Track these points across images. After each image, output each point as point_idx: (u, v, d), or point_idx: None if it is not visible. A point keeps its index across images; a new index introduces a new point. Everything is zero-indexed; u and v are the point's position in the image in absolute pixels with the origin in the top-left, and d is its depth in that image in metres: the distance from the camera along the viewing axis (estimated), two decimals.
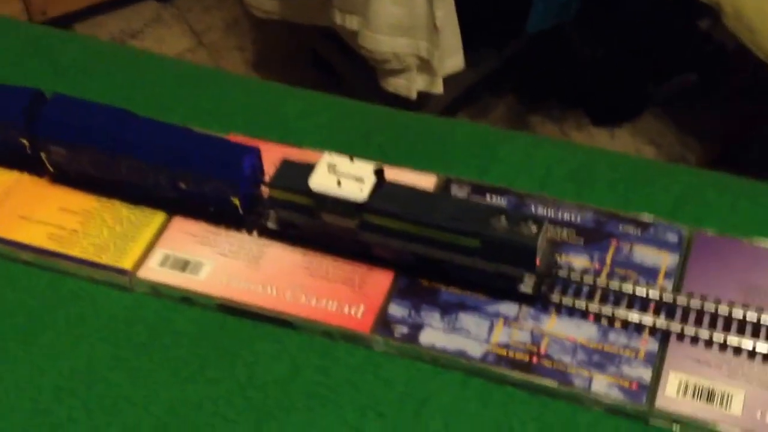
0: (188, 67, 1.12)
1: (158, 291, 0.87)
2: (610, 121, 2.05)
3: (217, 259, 0.88)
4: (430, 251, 0.83)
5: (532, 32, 1.82)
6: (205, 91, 1.06)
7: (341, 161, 0.84)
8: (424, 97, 1.79)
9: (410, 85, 1.76)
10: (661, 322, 0.82)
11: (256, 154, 0.87)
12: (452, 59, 1.76)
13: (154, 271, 0.87)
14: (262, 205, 0.88)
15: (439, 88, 1.78)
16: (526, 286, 0.83)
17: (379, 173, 0.83)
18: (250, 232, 0.90)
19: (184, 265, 0.87)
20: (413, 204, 0.82)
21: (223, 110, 1.04)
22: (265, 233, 0.90)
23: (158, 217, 0.91)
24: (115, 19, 2.34)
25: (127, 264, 0.88)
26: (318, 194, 0.83)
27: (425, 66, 1.73)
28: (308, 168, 0.84)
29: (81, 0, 2.28)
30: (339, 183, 0.82)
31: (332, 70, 2.07)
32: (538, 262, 0.81)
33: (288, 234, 0.88)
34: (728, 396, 0.78)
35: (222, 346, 0.83)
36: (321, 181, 0.83)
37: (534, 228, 0.80)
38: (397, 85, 1.76)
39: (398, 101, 1.72)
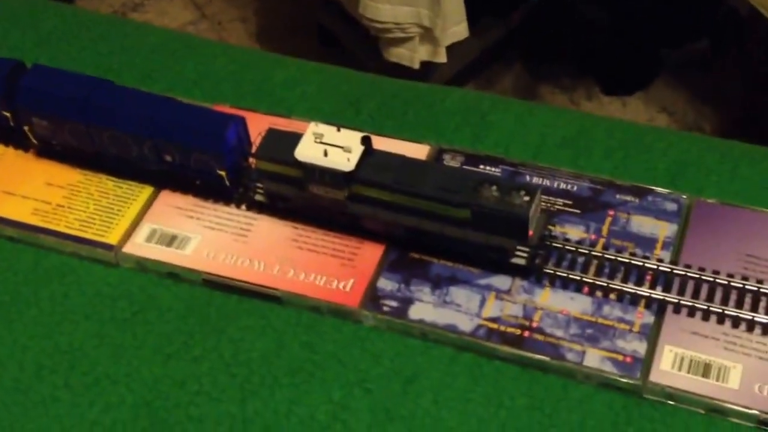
0: (172, 35, 1.09)
1: (144, 266, 0.85)
2: (622, 89, 2.01)
3: (205, 233, 0.86)
4: (420, 223, 0.81)
5: None
6: (190, 60, 1.04)
7: (328, 131, 0.81)
8: (428, 68, 1.76)
9: (413, 54, 1.73)
10: (658, 294, 0.80)
11: (241, 124, 0.85)
12: (455, 28, 1.73)
13: (140, 246, 0.86)
14: (249, 177, 0.86)
15: (442, 58, 1.75)
16: (519, 257, 0.80)
17: (366, 142, 0.81)
18: (238, 205, 0.88)
19: (170, 240, 0.86)
20: (402, 174, 0.80)
21: (209, 80, 1.02)
22: (254, 206, 0.88)
23: (145, 191, 0.90)
24: None
25: (112, 239, 0.86)
26: (304, 165, 0.81)
27: (428, 35, 1.70)
28: (294, 138, 0.82)
29: None
30: (326, 153, 0.80)
31: (336, 41, 2.04)
32: (530, 232, 0.79)
33: (276, 206, 0.86)
34: (725, 370, 0.76)
35: (207, 322, 0.82)
36: (307, 151, 0.81)
37: (526, 197, 0.78)
38: (399, 54, 1.74)
39: (403, 72, 1.69)
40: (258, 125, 0.87)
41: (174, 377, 0.78)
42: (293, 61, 1.07)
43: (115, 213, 0.88)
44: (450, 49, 1.73)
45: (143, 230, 0.87)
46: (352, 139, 0.81)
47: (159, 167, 0.87)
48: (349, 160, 0.80)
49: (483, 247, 0.80)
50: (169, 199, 0.89)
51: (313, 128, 0.82)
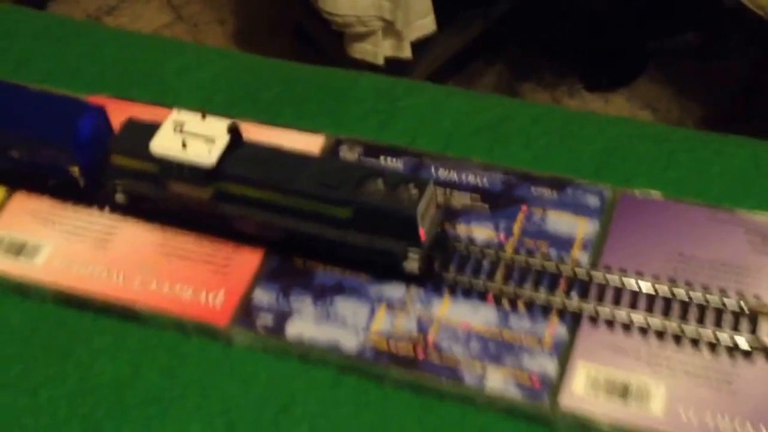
0: (55, 20, 0.98)
1: None
2: (605, 85, 1.90)
3: (59, 241, 0.75)
4: (298, 224, 0.70)
5: None
6: (74, 46, 0.93)
7: (191, 119, 0.70)
8: (403, 67, 1.67)
9: (376, 50, 1.64)
10: (572, 302, 0.69)
11: (99, 114, 0.74)
12: (421, 21, 1.63)
13: None
14: (109, 176, 0.75)
15: (406, 53, 1.65)
16: (411, 263, 0.69)
17: (233, 132, 0.70)
18: (101, 208, 0.77)
19: (19, 249, 0.75)
20: (274, 168, 0.69)
21: (92, 68, 0.90)
22: (118, 209, 0.77)
23: None
24: None
25: None
26: (161, 159, 0.70)
27: (391, 29, 1.60)
28: (155, 129, 0.71)
29: None
30: (184, 145, 0.69)
31: (314, 41, 1.94)
32: (422, 233, 0.68)
33: (141, 209, 0.75)
34: (647, 391, 0.65)
35: (54, 344, 0.71)
36: (164, 143, 0.70)
37: (415, 192, 0.67)
38: (363, 50, 1.64)
39: (376, 72, 1.59)
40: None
41: (7, 411, 0.67)
42: (193, 47, 0.96)
43: None
44: (426, 45, 1.63)
45: None
46: (218, 128, 0.70)
47: (7, 165, 0.76)
48: (210, 152, 0.69)
49: (369, 251, 0.69)
50: (23, 202, 0.78)
51: (174, 116, 0.71)
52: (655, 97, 1.87)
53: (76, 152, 0.72)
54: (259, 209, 0.70)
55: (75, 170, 0.73)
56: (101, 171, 0.75)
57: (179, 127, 0.70)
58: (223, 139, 0.69)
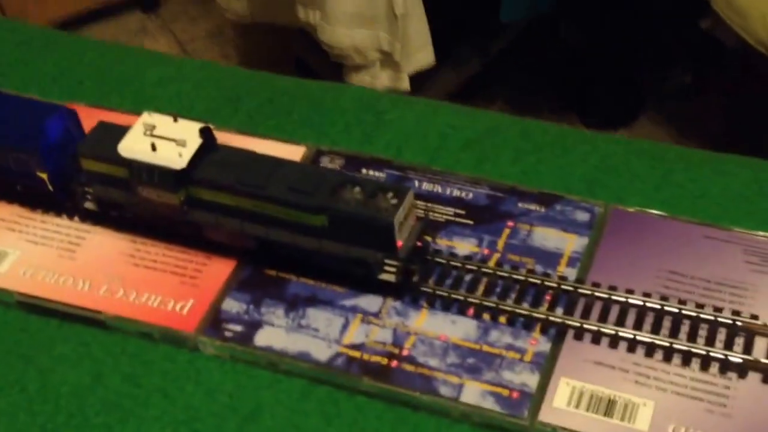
0: (38, 31, 0.97)
1: None
2: (604, 124, 1.89)
3: (25, 249, 0.73)
4: (271, 233, 0.67)
5: (505, 21, 1.67)
6: (53, 55, 0.91)
7: (162, 121, 0.68)
8: None
9: (374, 81, 1.62)
10: (556, 317, 0.65)
11: (68, 117, 0.72)
12: (419, 54, 1.62)
13: None
14: (79, 182, 0.72)
15: (404, 85, 1.63)
16: (388, 273, 0.66)
17: (206, 134, 0.67)
18: (71, 216, 0.75)
19: None
20: (247, 173, 0.67)
21: (70, 77, 0.89)
22: (89, 218, 0.74)
23: None
24: (100, 31, 2.24)
25: None
26: (130, 162, 0.67)
27: (389, 60, 1.59)
28: (125, 132, 0.69)
29: (64, 10, 2.17)
30: (154, 148, 0.67)
31: (315, 73, 1.93)
32: (398, 243, 0.65)
33: (110, 216, 0.73)
34: (633, 408, 0.61)
35: (16, 350, 0.68)
36: (133, 145, 0.67)
37: (394, 201, 0.64)
38: (361, 81, 1.63)
39: None
40: None
41: None
42: (175, 59, 0.95)
43: None
44: (425, 82, 1.62)
45: None
46: (190, 131, 0.67)
47: None
48: (181, 155, 0.66)
49: (345, 260, 0.66)
50: None
51: (144, 118, 0.68)
52: (654, 137, 1.85)
53: (43, 155, 0.70)
54: (231, 216, 0.68)
55: (43, 176, 0.71)
56: (68, 176, 0.72)
57: (149, 130, 0.68)
58: (195, 142, 0.67)
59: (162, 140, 0.67)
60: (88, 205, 0.72)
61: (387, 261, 0.66)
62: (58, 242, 0.73)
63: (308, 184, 0.66)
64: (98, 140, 0.70)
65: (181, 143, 0.67)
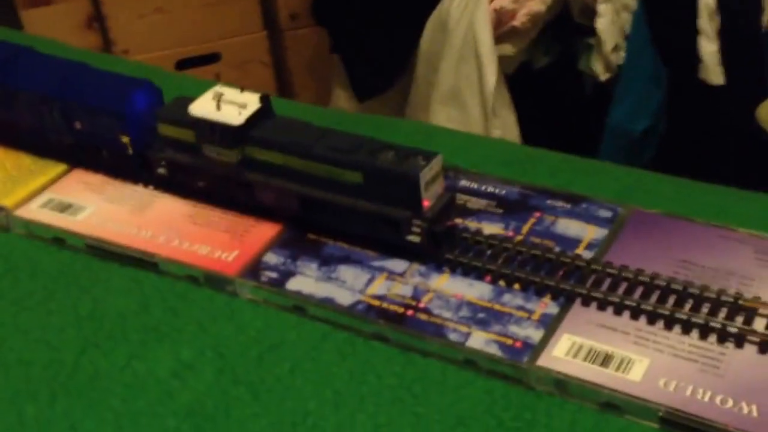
0: (34, 40, 1.03)
1: (32, 231, 0.80)
2: None
3: (102, 205, 0.82)
4: (313, 191, 0.74)
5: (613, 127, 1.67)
6: None
7: (230, 91, 0.77)
8: None
9: None
10: (566, 285, 0.69)
11: (154, 91, 0.81)
12: None
13: (32, 211, 0.82)
14: (155, 150, 0.81)
15: None
16: (414, 234, 0.72)
17: (264, 100, 0.76)
18: (146, 184, 0.83)
19: (64, 208, 0.81)
20: (296, 135, 0.74)
21: None
22: (160, 186, 0.83)
23: (58, 168, 0.86)
24: None
25: (8, 202, 0.82)
26: (197, 121, 0.76)
27: None
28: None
29: None
30: (219, 108, 0.75)
31: None
32: (425, 201, 0.71)
33: (177, 180, 0.81)
34: (628, 362, 0.64)
35: (75, 282, 0.75)
36: (201, 107, 0.76)
37: (423, 162, 0.71)
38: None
39: None
40: None
41: (18, 326, 0.72)
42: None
43: (20, 183, 0.84)
44: None
45: (41, 198, 0.83)
46: (252, 98, 0.76)
47: (70, 138, 0.83)
48: (240, 114, 0.74)
49: (377, 219, 0.73)
50: (79, 176, 0.86)
51: (216, 89, 0.77)
52: None
53: (127, 120, 0.79)
54: (279, 176, 0.75)
55: (125, 139, 0.80)
56: (148, 144, 0.81)
57: (218, 96, 0.76)
58: (254, 106, 0.75)
59: (226, 104, 0.75)
60: (161, 170, 0.81)
61: (414, 221, 0.71)
62: (131, 202, 0.81)
63: (350, 146, 0.73)
64: (174, 108, 0.79)
65: (243, 106, 0.75)
